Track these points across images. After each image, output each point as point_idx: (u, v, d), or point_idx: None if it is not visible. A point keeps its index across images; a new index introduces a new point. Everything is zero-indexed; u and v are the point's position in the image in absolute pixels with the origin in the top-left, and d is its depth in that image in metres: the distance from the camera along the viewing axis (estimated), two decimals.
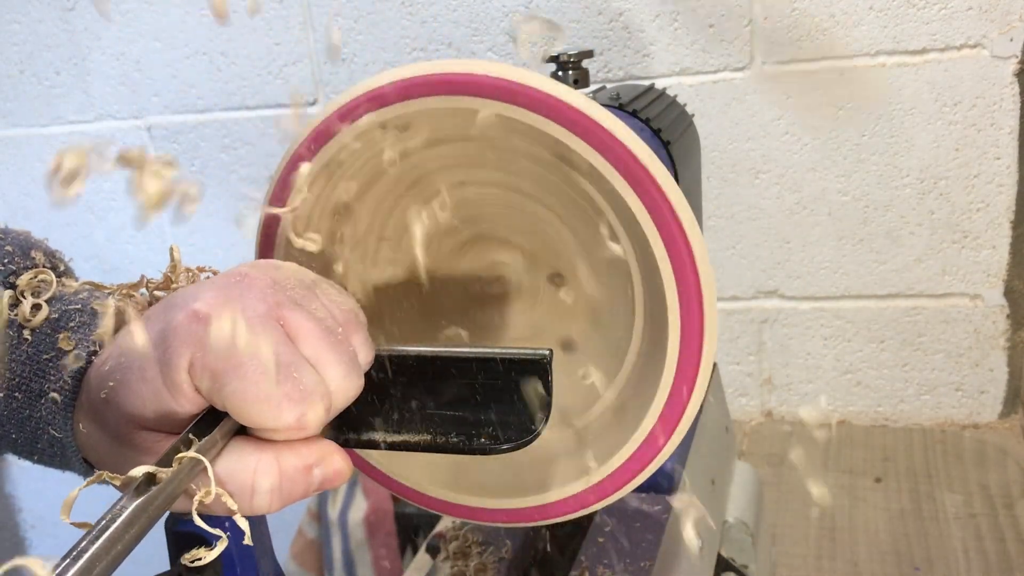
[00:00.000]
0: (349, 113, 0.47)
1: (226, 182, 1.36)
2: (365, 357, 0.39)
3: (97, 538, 0.29)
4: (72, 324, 0.41)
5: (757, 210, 1.13)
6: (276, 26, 1.26)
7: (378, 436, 0.41)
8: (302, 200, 0.49)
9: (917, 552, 0.90)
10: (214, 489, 0.34)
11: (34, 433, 0.40)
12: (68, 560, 0.28)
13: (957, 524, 0.94)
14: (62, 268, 0.47)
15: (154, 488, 0.32)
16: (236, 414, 0.35)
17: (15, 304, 0.42)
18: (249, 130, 1.33)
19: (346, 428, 0.41)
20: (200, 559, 0.35)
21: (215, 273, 0.42)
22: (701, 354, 0.46)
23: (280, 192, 0.50)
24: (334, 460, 0.37)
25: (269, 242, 0.51)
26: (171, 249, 0.44)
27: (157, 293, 0.43)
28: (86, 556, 0.29)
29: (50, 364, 0.40)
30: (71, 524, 0.32)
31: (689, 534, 0.57)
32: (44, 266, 0.45)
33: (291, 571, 1.28)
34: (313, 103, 1.29)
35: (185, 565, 0.39)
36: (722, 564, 0.72)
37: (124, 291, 0.42)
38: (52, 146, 1.43)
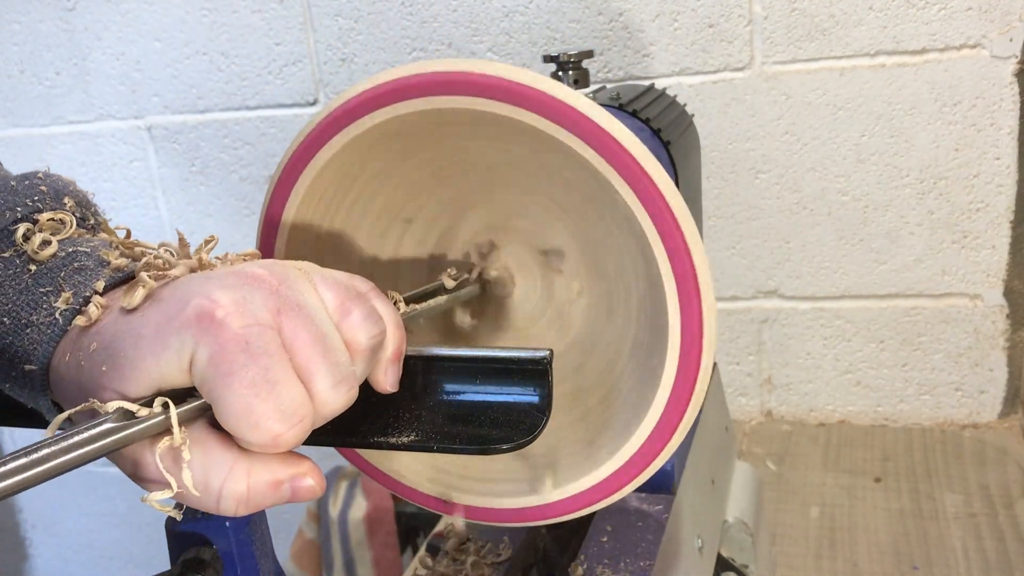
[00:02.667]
0: (349, 114, 0.47)
1: (226, 182, 1.36)
2: (367, 333, 0.39)
3: (57, 443, 0.31)
4: (76, 265, 0.41)
5: (757, 210, 1.13)
6: (276, 26, 1.26)
7: (378, 436, 0.41)
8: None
9: (917, 552, 0.90)
10: (178, 435, 0.34)
11: (11, 361, 0.41)
12: (21, 452, 0.30)
13: (957, 524, 0.94)
14: (91, 222, 0.47)
15: (125, 421, 0.33)
16: (219, 419, 0.35)
17: (28, 237, 0.43)
18: (249, 130, 1.33)
19: (345, 428, 0.41)
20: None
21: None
22: (701, 354, 0.46)
23: (280, 192, 0.50)
24: (306, 480, 0.37)
25: (270, 238, 0.51)
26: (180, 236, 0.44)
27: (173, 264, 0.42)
28: (39, 453, 0.31)
29: (44, 298, 0.40)
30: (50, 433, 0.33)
31: (689, 534, 0.57)
32: (73, 213, 0.45)
33: (291, 571, 1.29)
34: (313, 103, 1.29)
35: (185, 565, 0.39)
36: (722, 564, 0.72)
37: (140, 246, 0.42)
38: (52, 146, 1.43)
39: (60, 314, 0.39)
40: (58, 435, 0.32)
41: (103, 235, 0.45)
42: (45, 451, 0.31)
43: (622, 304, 0.54)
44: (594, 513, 0.59)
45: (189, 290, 0.37)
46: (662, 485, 0.61)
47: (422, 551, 0.66)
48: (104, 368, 0.37)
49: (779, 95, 1.09)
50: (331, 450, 0.48)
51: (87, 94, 1.38)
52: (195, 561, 0.39)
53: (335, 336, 0.38)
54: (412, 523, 1.26)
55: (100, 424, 0.33)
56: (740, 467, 0.83)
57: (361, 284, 0.41)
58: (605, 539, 0.58)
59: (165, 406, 0.34)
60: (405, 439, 0.41)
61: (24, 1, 1.36)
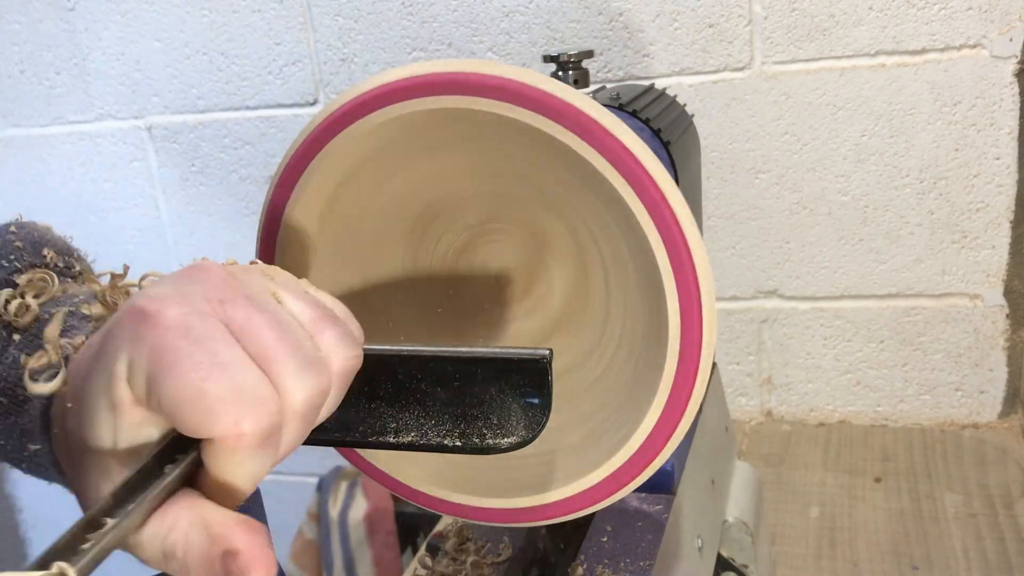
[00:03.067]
0: (349, 114, 0.47)
1: (226, 182, 1.36)
2: (343, 354, 0.36)
3: None
4: (62, 327, 0.38)
5: (757, 210, 1.13)
6: (276, 26, 1.26)
7: (378, 436, 0.41)
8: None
9: (917, 552, 0.90)
10: None
11: (20, 441, 0.37)
12: None
13: (957, 524, 0.94)
14: (78, 268, 0.43)
15: None
16: (170, 419, 0.31)
17: (9, 302, 0.39)
18: (249, 130, 1.33)
19: (344, 428, 0.41)
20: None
21: None
22: (701, 354, 0.46)
23: (281, 192, 0.50)
24: (239, 560, 0.29)
25: (270, 242, 0.51)
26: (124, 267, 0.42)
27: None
28: None
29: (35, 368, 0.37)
30: None
31: (689, 534, 0.57)
32: (55, 265, 0.41)
33: (291, 571, 1.29)
34: (313, 103, 1.29)
35: None
36: (722, 564, 0.72)
37: (117, 289, 0.39)
38: (52, 146, 1.43)
39: (44, 380, 0.35)
40: None
41: (88, 284, 0.41)
42: None
43: (621, 304, 0.54)
44: (594, 513, 0.59)
45: (127, 301, 0.34)
46: (662, 485, 0.61)
47: (422, 551, 0.66)
48: (72, 409, 0.33)
49: (779, 95, 1.09)
50: (331, 450, 0.48)
51: (87, 94, 1.38)
52: None
53: (294, 323, 0.34)
54: (412, 523, 1.26)
55: None
56: (740, 467, 0.83)
57: (339, 309, 0.38)
58: (605, 539, 0.58)
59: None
60: (405, 439, 0.41)
61: (24, 1, 1.36)
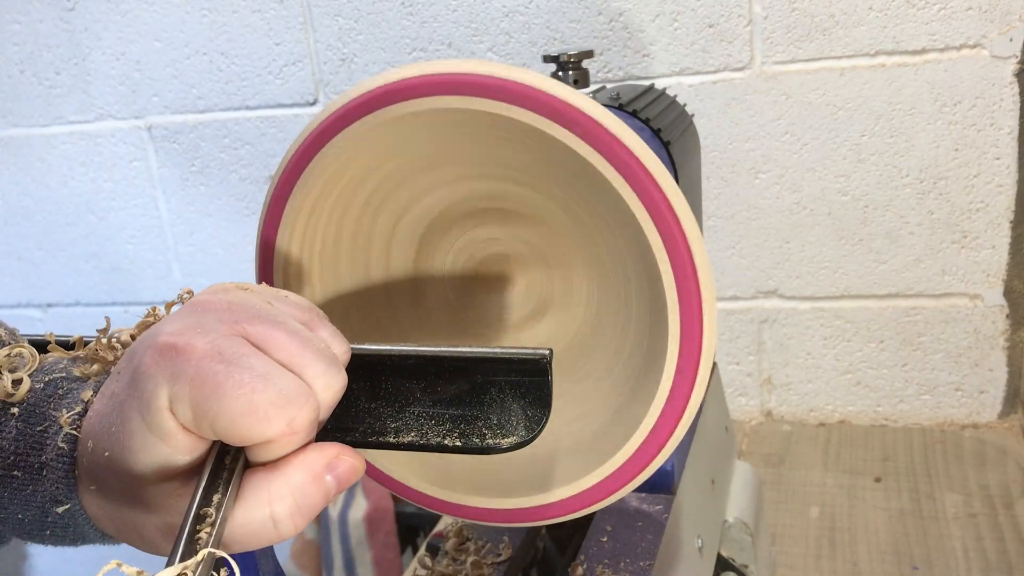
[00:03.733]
0: (349, 114, 0.47)
1: (226, 182, 1.36)
2: (339, 348, 0.39)
3: None
4: (59, 392, 0.39)
5: (757, 210, 1.13)
6: (276, 26, 1.26)
7: (378, 436, 0.41)
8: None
9: (917, 552, 0.90)
10: None
11: (42, 509, 0.39)
12: None
13: (957, 524, 0.94)
14: (22, 342, 0.45)
15: None
16: (227, 436, 0.34)
17: None
18: (249, 130, 1.33)
19: (344, 429, 0.41)
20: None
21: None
22: (701, 354, 0.46)
23: (280, 193, 0.50)
24: (342, 460, 0.36)
25: (270, 239, 0.51)
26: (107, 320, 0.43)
27: (122, 340, 0.41)
28: None
29: (45, 435, 0.38)
30: None
31: (689, 534, 0.57)
32: (9, 341, 0.43)
33: (291, 571, 1.29)
34: (313, 103, 1.29)
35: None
36: (722, 564, 0.72)
37: (103, 345, 0.41)
38: (52, 146, 1.43)
39: (64, 440, 0.38)
40: None
41: (51, 353, 0.43)
42: None
43: (622, 304, 0.54)
44: (594, 513, 0.59)
45: (141, 342, 0.36)
46: (662, 485, 0.61)
47: (422, 551, 0.66)
48: (106, 454, 0.36)
49: (779, 95, 1.09)
50: None
51: (87, 94, 1.38)
52: None
53: (306, 329, 0.38)
54: (412, 523, 1.26)
55: None
56: (740, 467, 0.83)
57: (319, 310, 0.41)
58: (605, 539, 0.58)
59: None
60: (405, 439, 0.41)
61: (24, 1, 1.36)
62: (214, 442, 0.36)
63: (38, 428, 0.39)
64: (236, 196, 1.36)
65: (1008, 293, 1.08)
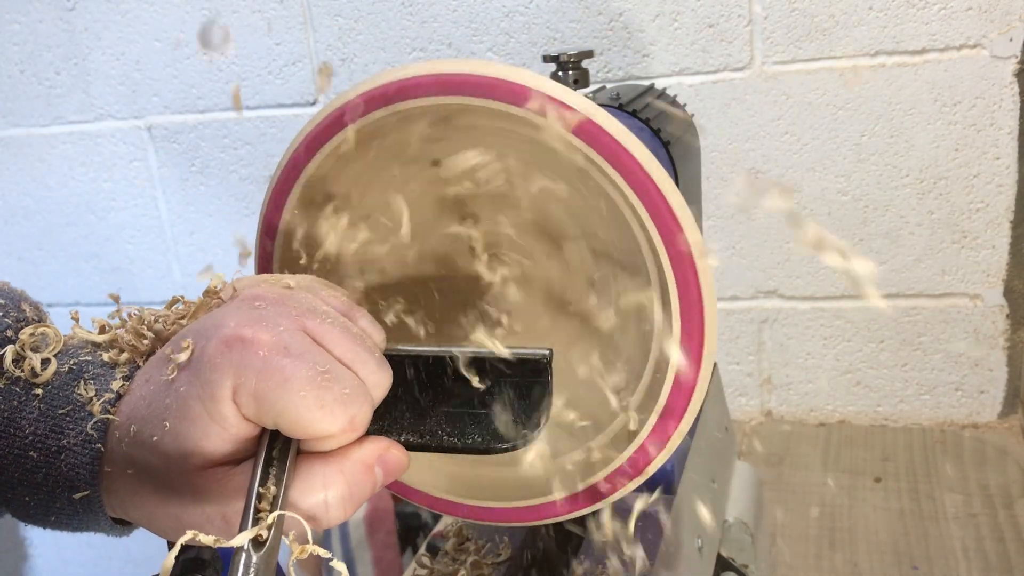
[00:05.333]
0: (348, 113, 0.47)
1: (226, 182, 1.36)
2: (378, 337, 0.40)
3: None
4: (87, 375, 0.39)
5: (757, 210, 1.13)
6: (276, 26, 1.26)
7: (378, 435, 0.41)
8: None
9: (917, 552, 0.90)
10: (311, 548, 0.35)
11: (52, 493, 0.38)
12: None
13: (957, 524, 0.94)
14: (48, 320, 0.44)
15: (265, 550, 0.34)
16: (290, 430, 0.35)
17: (19, 359, 0.40)
18: (249, 130, 1.33)
19: None
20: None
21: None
22: (701, 354, 0.46)
23: (280, 193, 0.50)
24: (392, 454, 0.38)
25: (269, 239, 0.51)
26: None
27: (154, 328, 0.41)
28: None
29: (67, 419, 0.38)
30: None
31: (689, 534, 0.57)
32: (34, 319, 0.43)
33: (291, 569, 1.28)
34: (313, 103, 1.29)
35: (185, 565, 0.39)
36: (722, 564, 0.72)
37: (131, 331, 0.41)
38: (52, 146, 1.43)
39: (94, 427, 0.38)
40: None
41: (80, 335, 0.42)
42: None
43: (622, 304, 0.54)
44: (594, 513, 0.59)
45: (201, 332, 0.37)
46: (662, 485, 0.61)
47: (422, 551, 0.66)
48: (154, 439, 0.36)
49: (779, 95, 1.09)
50: None
51: (87, 94, 1.38)
52: (195, 561, 0.40)
53: (355, 326, 0.39)
54: (412, 523, 1.26)
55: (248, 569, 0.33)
56: (740, 467, 0.83)
57: (351, 300, 0.42)
58: (605, 539, 0.58)
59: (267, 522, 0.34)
60: (405, 439, 0.41)
61: (24, 1, 1.36)
62: (264, 430, 0.36)
63: (60, 411, 0.38)
64: (236, 196, 1.36)
65: (1008, 293, 1.08)
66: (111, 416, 0.38)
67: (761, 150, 1.11)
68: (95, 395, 0.38)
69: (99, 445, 0.38)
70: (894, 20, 1.03)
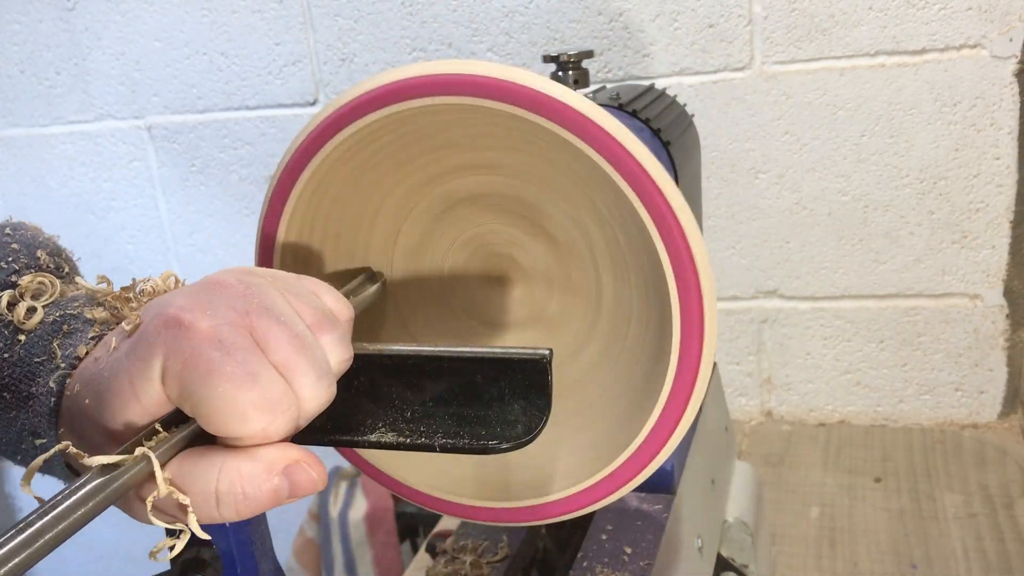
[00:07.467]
0: (348, 114, 0.47)
1: (226, 182, 1.36)
2: (337, 358, 0.39)
3: (46, 513, 0.30)
4: (65, 329, 0.40)
5: (757, 210, 1.13)
6: (276, 26, 1.26)
7: (377, 436, 0.41)
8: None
9: (916, 552, 0.90)
10: (162, 486, 0.33)
11: (19, 435, 0.40)
12: (14, 530, 0.29)
13: (956, 524, 0.94)
14: (67, 269, 0.46)
15: (108, 476, 0.32)
16: (203, 421, 0.34)
17: (13, 304, 0.41)
18: (249, 130, 1.33)
19: (344, 428, 0.41)
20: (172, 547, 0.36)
21: None
22: (701, 354, 0.46)
23: (279, 193, 0.50)
24: (302, 469, 0.36)
25: (269, 239, 0.51)
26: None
27: (139, 298, 0.42)
28: (32, 528, 0.29)
29: (40, 368, 0.39)
30: (30, 495, 0.33)
31: (689, 534, 0.57)
32: (48, 267, 0.44)
33: (292, 567, 1.29)
34: (313, 103, 1.29)
35: (185, 565, 0.39)
36: (722, 564, 0.72)
37: (118, 295, 0.41)
38: (52, 146, 1.43)
39: (54, 381, 0.39)
40: (46, 505, 0.31)
41: (82, 286, 0.43)
42: (37, 525, 0.30)
43: (621, 303, 0.54)
44: (594, 513, 0.59)
45: (151, 308, 0.37)
46: (662, 485, 0.61)
47: (422, 551, 0.66)
48: (87, 402, 0.36)
49: (779, 95, 1.09)
50: (331, 450, 0.48)
51: (87, 94, 1.38)
52: (195, 561, 0.40)
53: (310, 335, 0.37)
54: (412, 523, 1.26)
55: (84, 485, 0.31)
56: (740, 467, 0.83)
57: (344, 311, 0.41)
58: (605, 539, 0.58)
59: (149, 452, 0.33)
60: (404, 439, 0.41)
61: (24, 1, 1.36)
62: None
63: (36, 360, 0.40)
64: (236, 196, 1.36)
65: (1008, 293, 1.08)
66: (68, 372, 0.38)
67: (761, 150, 1.11)
68: (66, 349, 0.39)
69: (54, 399, 0.38)
70: (894, 20, 1.03)
